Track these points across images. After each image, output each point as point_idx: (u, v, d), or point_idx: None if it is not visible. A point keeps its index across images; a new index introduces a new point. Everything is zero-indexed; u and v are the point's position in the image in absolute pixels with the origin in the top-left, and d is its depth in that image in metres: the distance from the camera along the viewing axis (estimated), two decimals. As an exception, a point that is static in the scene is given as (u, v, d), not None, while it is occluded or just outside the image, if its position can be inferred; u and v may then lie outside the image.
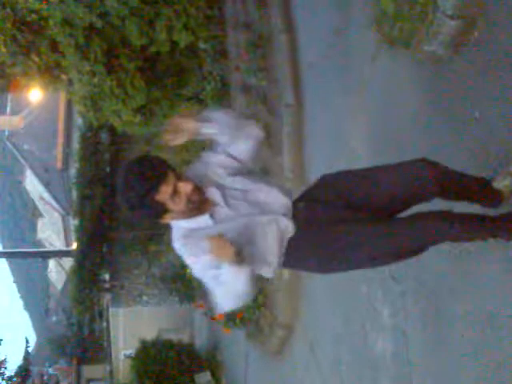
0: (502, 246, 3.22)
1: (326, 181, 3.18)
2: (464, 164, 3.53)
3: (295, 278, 7.23)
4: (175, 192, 2.80)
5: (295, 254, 3.06)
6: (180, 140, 2.96)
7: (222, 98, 9.36)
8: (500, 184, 3.24)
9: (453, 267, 3.87)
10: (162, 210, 2.85)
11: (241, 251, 2.75)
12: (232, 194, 3.01)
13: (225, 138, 3.03)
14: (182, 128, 2.93)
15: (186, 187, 2.82)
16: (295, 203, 3.09)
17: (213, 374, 12.07)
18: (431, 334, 4.19)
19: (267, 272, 3.05)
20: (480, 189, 3.23)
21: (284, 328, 7.60)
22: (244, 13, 8.95)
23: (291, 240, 3.03)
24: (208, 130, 2.99)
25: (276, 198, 3.05)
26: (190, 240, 2.97)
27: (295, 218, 3.04)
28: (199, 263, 2.96)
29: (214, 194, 2.97)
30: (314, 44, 6.96)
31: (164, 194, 2.78)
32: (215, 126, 2.99)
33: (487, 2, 3.63)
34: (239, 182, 3.04)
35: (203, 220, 2.96)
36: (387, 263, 3.18)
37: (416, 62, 4.44)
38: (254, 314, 8.19)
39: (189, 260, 3.01)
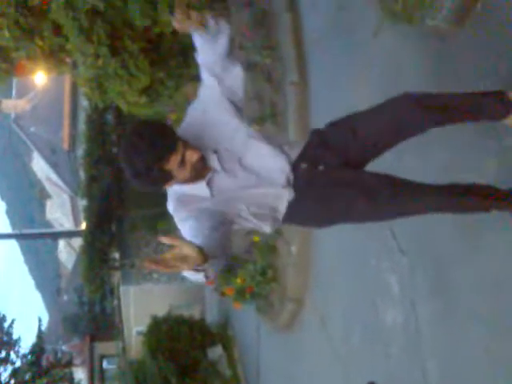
0: (505, 217, 3.29)
1: (320, 138, 3.15)
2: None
3: (304, 253, 7.30)
4: (182, 161, 2.78)
5: (295, 212, 3.07)
6: (187, 27, 2.94)
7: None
8: None
9: (458, 238, 3.94)
10: (168, 178, 2.84)
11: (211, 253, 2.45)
12: (227, 157, 2.99)
13: (217, 68, 3.12)
14: (190, 15, 2.90)
15: (192, 156, 2.80)
16: (296, 164, 3.07)
17: (225, 348, 12.17)
18: (439, 304, 4.27)
19: (266, 229, 3.08)
20: (494, 102, 3.07)
21: (294, 302, 7.68)
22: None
23: (291, 201, 3.05)
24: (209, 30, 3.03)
25: (274, 164, 3.03)
26: (181, 204, 2.95)
27: (296, 179, 3.04)
28: (185, 229, 2.84)
29: (211, 159, 2.95)
30: (317, 21, 6.96)
31: (173, 163, 2.76)
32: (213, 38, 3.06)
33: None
34: (237, 142, 3.02)
35: (200, 187, 2.94)
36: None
37: (419, 37, 4.46)
38: (263, 289, 8.29)
39: (179, 226, 2.94)
